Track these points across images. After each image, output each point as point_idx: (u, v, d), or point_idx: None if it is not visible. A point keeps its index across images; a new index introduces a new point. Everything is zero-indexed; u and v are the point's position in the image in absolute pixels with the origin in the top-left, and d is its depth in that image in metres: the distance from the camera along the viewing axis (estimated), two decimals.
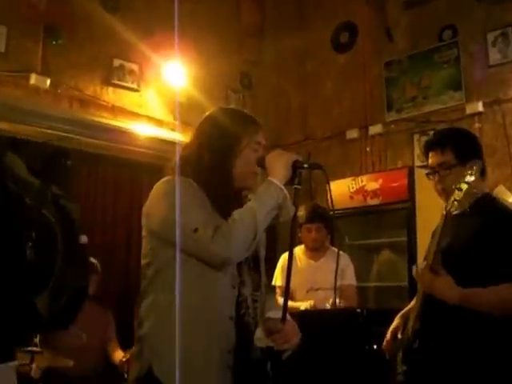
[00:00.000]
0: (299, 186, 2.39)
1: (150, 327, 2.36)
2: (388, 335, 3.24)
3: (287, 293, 2.45)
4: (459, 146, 3.00)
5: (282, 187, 2.33)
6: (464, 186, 2.74)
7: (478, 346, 2.78)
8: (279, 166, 2.37)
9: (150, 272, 2.40)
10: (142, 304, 2.43)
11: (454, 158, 2.97)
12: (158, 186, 2.44)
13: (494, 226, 2.84)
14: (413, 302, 3.25)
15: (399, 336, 3.16)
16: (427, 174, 3.11)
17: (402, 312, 3.29)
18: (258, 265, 2.57)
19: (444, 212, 2.83)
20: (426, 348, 2.93)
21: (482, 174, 2.98)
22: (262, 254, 2.60)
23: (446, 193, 2.95)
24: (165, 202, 2.35)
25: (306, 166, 2.42)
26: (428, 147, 3.12)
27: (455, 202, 2.74)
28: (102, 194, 6.40)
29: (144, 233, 2.47)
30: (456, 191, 2.75)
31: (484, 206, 2.89)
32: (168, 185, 2.41)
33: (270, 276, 5.01)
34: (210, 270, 2.31)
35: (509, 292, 2.72)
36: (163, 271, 2.35)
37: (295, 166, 2.38)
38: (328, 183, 2.48)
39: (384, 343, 3.25)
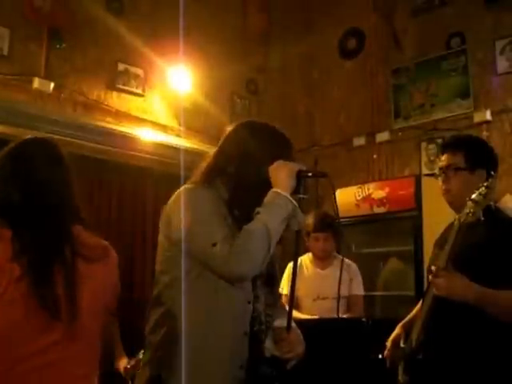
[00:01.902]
0: (304, 196, 2.36)
1: (162, 336, 2.33)
2: (389, 344, 3.24)
3: (291, 302, 2.44)
4: (471, 152, 3.02)
5: (290, 198, 2.29)
6: (479, 198, 2.71)
7: (484, 359, 2.76)
8: (283, 176, 2.33)
9: (165, 279, 2.38)
10: (154, 310, 2.40)
11: (463, 162, 2.99)
12: (182, 194, 2.38)
13: (499, 236, 2.84)
14: (414, 311, 3.23)
15: (401, 345, 3.14)
16: (435, 175, 3.15)
17: (403, 321, 3.29)
18: (273, 280, 2.55)
19: (458, 224, 2.81)
20: (430, 359, 2.91)
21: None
22: (277, 268, 2.57)
23: (449, 194, 3.01)
24: (188, 212, 2.30)
25: (310, 174, 2.40)
26: (443, 149, 3.17)
27: (469, 215, 2.73)
28: (105, 199, 6.34)
29: (161, 238, 2.43)
30: (470, 203, 2.73)
31: (488, 216, 2.85)
32: (193, 194, 2.37)
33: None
34: (226, 284, 2.28)
35: None
36: (179, 280, 2.31)
37: (300, 176, 2.35)
38: (333, 191, 2.44)
39: (385, 352, 3.24)
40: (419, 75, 6.61)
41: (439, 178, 3.09)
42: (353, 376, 4.15)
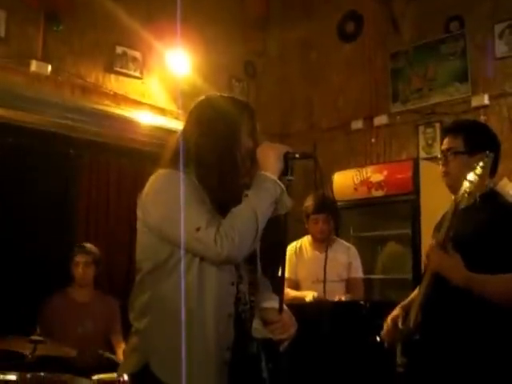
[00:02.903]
0: (292, 178, 2.36)
1: (147, 323, 2.33)
2: (389, 323, 3.25)
3: (283, 284, 2.47)
4: (471, 136, 3.04)
5: (277, 180, 2.30)
6: (474, 178, 2.73)
7: (481, 341, 2.78)
8: (271, 158, 2.33)
9: (146, 266, 2.38)
10: (138, 298, 2.40)
11: (462, 146, 3.01)
12: (156, 180, 2.37)
13: (497, 221, 2.85)
14: (414, 294, 3.25)
15: (399, 326, 3.16)
16: (437, 158, 3.19)
17: (403, 303, 3.30)
18: (254, 259, 2.54)
19: (453, 204, 2.83)
20: (427, 341, 2.94)
21: (494, 169, 2.98)
22: (257, 247, 2.55)
23: (448, 177, 3.04)
24: (164, 198, 2.30)
25: (297, 156, 2.39)
26: (444, 132, 3.23)
27: (465, 195, 2.74)
28: (104, 182, 6.35)
29: (140, 226, 2.43)
30: (466, 183, 2.74)
31: (488, 201, 2.89)
32: (167, 179, 2.35)
33: (276, 267, 4.98)
34: (210, 267, 2.27)
35: None
36: (161, 267, 2.32)
37: (287, 158, 2.35)
38: (321, 172, 2.45)
39: (384, 331, 3.27)
40: (417, 59, 6.59)
41: (440, 162, 3.12)
42: (350, 358, 4.17)
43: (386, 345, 3.24)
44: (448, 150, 3.06)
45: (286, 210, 2.35)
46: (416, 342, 2.96)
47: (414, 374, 3.02)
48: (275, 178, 2.29)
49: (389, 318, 3.26)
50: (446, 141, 3.12)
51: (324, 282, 4.25)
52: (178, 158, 2.38)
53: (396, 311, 3.26)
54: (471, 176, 2.73)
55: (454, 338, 2.86)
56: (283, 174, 2.34)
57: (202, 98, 2.54)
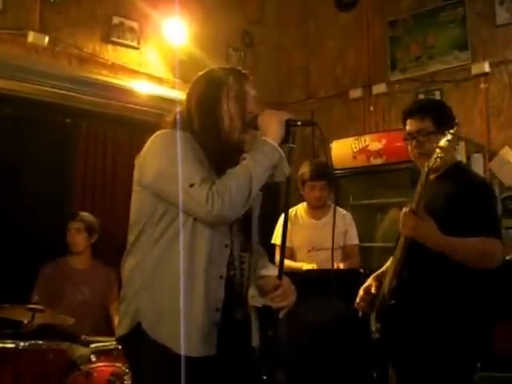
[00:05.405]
0: (293, 145, 2.40)
1: (139, 282, 2.36)
2: (361, 293, 3.36)
3: (283, 251, 2.46)
4: (438, 115, 3.18)
5: (277, 147, 2.33)
6: (445, 144, 2.86)
7: (453, 301, 2.93)
8: (273, 125, 2.37)
9: (139, 226, 2.40)
10: (128, 261, 2.43)
11: (432, 126, 3.14)
12: (154, 140, 2.42)
13: (465, 191, 3.01)
14: (386, 265, 3.33)
15: (373, 291, 3.28)
16: (404, 139, 3.28)
17: (376, 273, 3.43)
18: (249, 225, 2.57)
19: (426, 169, 2.96)
20: (401, 304, 3.05)
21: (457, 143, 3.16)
22: (256, 214, 2.59)
23: (422, 157, 3.11)
24: (161, 155, 2.34)
25: (299, 123, 2.42)
26: (407, 114, 3.31)
27: (437, 159, 2.88)
28: (101, 152, 6.37)
29: (135, 186, 2.47)
30: (437, 149, 2.87)
31: (456, 173, 3.12)
32: (165, 137, 2.40)
33: (271, 234, 5.00)
34: (204, 227, 2.31)
35: (487, 244, 2.89)
36: (154, 226, 2.35)
37: (288, 125, 2.38)
38: (323, 139, 2.47)
39: (357, 301, 3.37)
40: (416, 27, 6.54)
41: (408, 143, 3.23)
42: (349, 326, 4.19)
43: (360, 314, 3.35)
44: (418, 131, 3.17)
45: (283, 177, 2.39)
46: (390, 307, 3.07)
47: (387, 338, 3.12)
48: (275, 143, 2.33)
49: (361, 289, 3.37)
50: (411, 122, 3.23)
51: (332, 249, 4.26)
52: (180, 122, 2.46)
53: (368, 281, 3.38)
54: (443, 143, 2.86)
55: (428, 300, 2.98)
56: (284, 141, 2.37)
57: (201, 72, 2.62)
